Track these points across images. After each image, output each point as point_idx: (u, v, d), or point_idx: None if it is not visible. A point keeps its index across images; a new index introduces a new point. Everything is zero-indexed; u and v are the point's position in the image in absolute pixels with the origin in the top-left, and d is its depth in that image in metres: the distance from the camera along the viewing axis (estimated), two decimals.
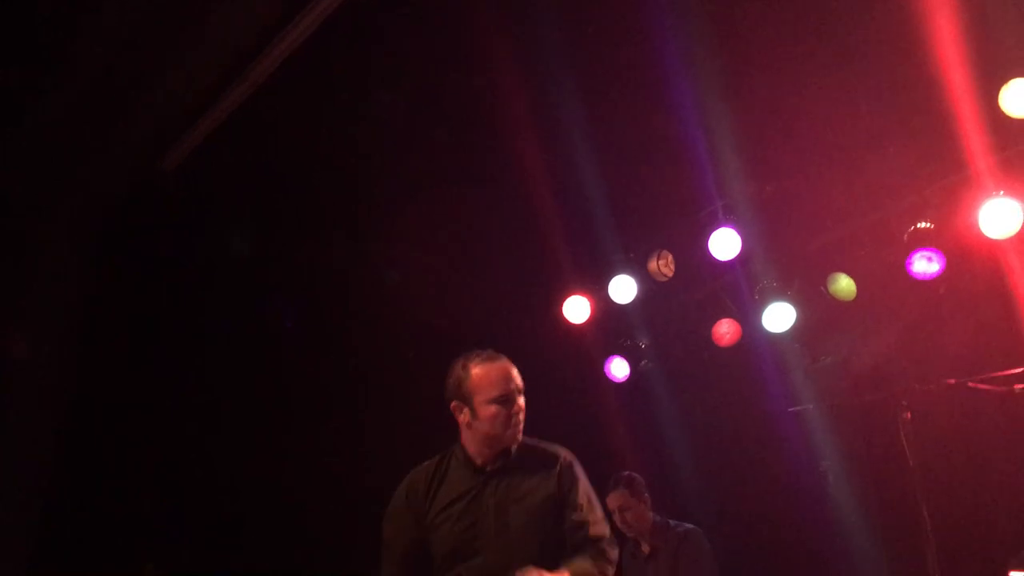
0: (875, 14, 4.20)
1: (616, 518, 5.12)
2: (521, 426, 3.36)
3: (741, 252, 5.67)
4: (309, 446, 6.44)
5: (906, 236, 5.21)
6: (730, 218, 5.64)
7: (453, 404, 3.45)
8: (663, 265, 6.06)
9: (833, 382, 5.65)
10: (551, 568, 3.17)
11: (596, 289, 6.27)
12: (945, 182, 5.00)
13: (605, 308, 6.31)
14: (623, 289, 6.11)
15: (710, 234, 5.67)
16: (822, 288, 5.61)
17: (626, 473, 5.28)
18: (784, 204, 5.54)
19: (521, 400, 3.39)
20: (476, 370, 3.39)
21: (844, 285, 5.54)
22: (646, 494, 5.23)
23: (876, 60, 4.48)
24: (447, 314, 6.74)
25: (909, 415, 4.45)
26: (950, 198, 5.02)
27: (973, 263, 5.14)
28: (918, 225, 5.17)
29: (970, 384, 4.36)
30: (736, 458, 6.16)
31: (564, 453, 3.46)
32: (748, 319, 5.94)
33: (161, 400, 6.30)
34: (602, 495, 4.83)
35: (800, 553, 5.54)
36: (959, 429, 4.96)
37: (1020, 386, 4.32)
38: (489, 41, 4.55)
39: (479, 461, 3.41)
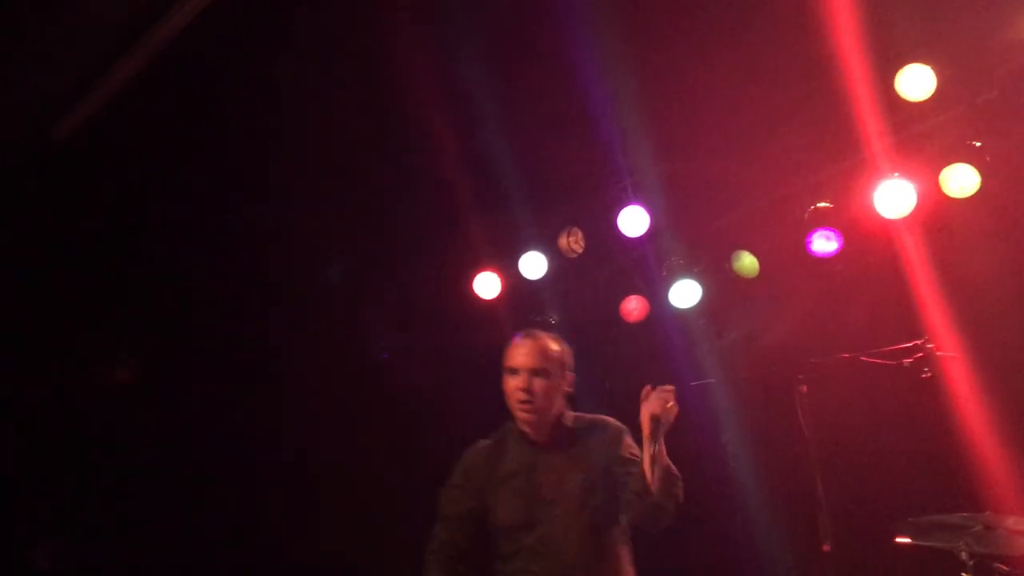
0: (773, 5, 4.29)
1: None
2: (526, 406, 3.46)
3: (649, 229, 5.77)
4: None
5: (806, 215, 5.37)
6: (639, 195, 5.73)
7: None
8: (573, 242, 6.12)
9: (736, 357, 5.79)
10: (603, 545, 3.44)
11: (507, 265, 6.30)
12: (843, 163, 5.16)
13: (516, 284, 6.34)
14: (534, 265, 6.15)
15: (619, 211, 5.76)
16: (727, 265, 5.74)
17: None
18: (691, 182, 5.65)
19: (530, 379, 3.47)
20: (509, 347, 3.59)
21: (747, 263, 5.68)
22: None
23: (776, 43, 4.59)
24: (356, 288, 6.70)
25: (805, 388, 4.60)
26: (848, 179, 5.19)
27: (869, 242, 5.32)
28: (817, 205, 5.33)
29: (863, 358, 4.53)
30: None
31: (615, 423, 3.59)
32: (656, 295, 6.04)
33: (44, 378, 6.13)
34: None
35: (701, 523, 5.68)
36: (853, 402, 5.15)
37: (909, 360, 4.49)
38: (395, 17, 4.51)
39: (531, 436, 3.54)
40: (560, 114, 5.12)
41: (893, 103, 4.83)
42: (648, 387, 3.24)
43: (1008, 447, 4.89)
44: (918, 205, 5.05)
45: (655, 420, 3.17)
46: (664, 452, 3.21)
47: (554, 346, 3.59)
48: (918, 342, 4.55)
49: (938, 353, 4.46)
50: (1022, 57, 4.72)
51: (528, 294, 6.41)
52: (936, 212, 5.13)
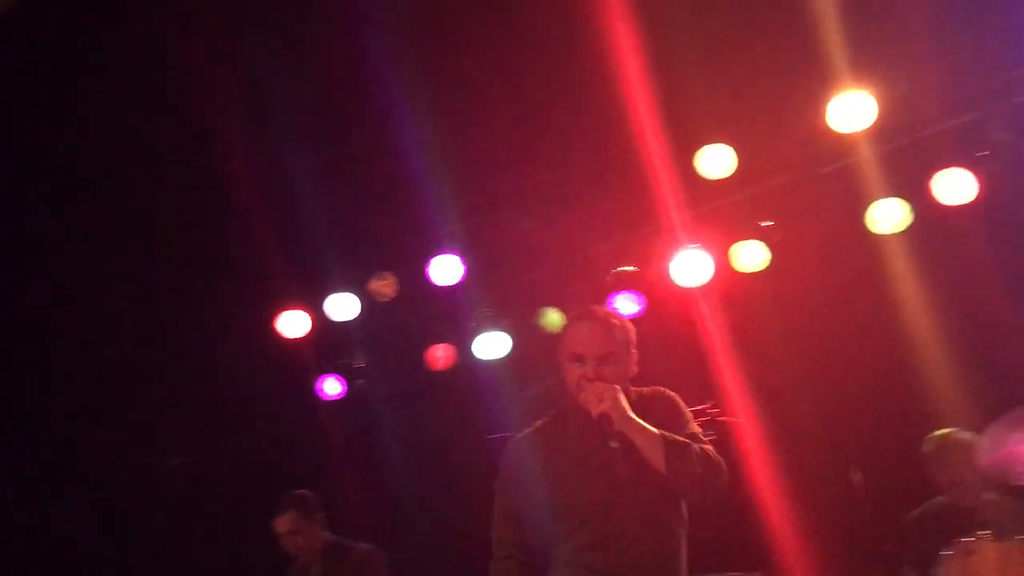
0: (587, 79, 4.43)
1: (286, 541, 5.02)
2: (598, 393, 2.98)
3: (463, 279, 5.80)
4: None
5: (609, 277, 5.55)
6: (454, 245, 5.75)
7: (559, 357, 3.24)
8: (385, 285, 6.06)
9: (538, 411, 5.85)
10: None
11: (316, 304, 6.16)
12: (645, 230, 5.39)
13: (324, 324, 6.20)
14: (343, 306, 6.04)
15: (433, 258, 5.76)
16: (534, 320, 5.84)
17: (297, 492, 5.16)
18: (505, 236, 5.73)
19: (598, 367, 3.05)
20: (568, 325, 3.24)
21: (553, 319, 5.80)
22: (319, 514, 5.13)
23: (586, 114, 4.75)
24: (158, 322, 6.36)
25: (616, 444, 4.67)
26: (649, 245, 5.41)
27: (669, 307, 5.55)
28: (621, 268, 5.52)
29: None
30: (442, 482, 6.25)
31: (668, 392, 3.26)
32: (464, 345, 6.06)
33: None
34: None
35: None
36: None
37: (699, 420, 4.66)
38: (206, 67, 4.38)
39: (587, 415, 3.07)
40: (375, 159, 5.09)
41: (695, 176, 5.09)
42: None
43: (788, 509, 5.15)
44: (714, 275, 5.33)
45: (606, 417, 2.93)
46: (642, 432, 2.95)
47: (619, 324, 3.18)
48: (705, 407, 4.74)
49: (720, 419, 4.66)
50: (814, 144, 5.09)
51: (335, 335, 6.29)
52: (731, 283, 5.43)
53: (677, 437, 2.97)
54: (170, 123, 4.92)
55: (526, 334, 5.95)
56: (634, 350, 3.19)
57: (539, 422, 3.30)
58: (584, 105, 4.64)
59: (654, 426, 2.97)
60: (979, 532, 3.96)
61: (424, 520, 6.28)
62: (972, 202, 4.84)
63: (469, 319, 6.00)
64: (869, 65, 4.49)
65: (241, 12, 4.31)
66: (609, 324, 3.14)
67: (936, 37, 4.49)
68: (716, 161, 5.06)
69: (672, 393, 3.24)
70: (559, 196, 5.33)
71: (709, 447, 3.01)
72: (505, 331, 5.88)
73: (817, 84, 4.66)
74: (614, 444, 2.91)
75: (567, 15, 4.02)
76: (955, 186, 4.84)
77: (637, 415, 2.99)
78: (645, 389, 3.20)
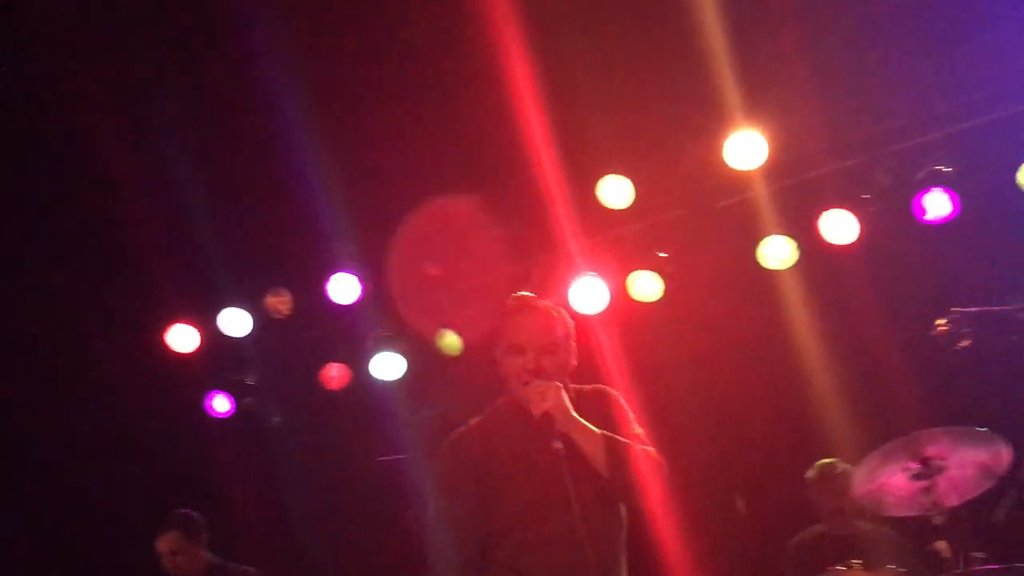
0: (485, 107, 4.47)
1: (167, 561, 4.89)
2: (541, 391, 2.81)
3: (361, 298, 5.75)
4: None
5: (508, 302, 5.56)
6: (353, 264, 5.70)
7: (496, 352, 3.06)
8: (280, 302, 5.96)
9: (430, 434, 5.83)
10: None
11: (207, 319, 6.00)
12: (544, 256, 5.44)
13: (215, 340, 6.05)
14: (235, 322, 5.91)
15: (331, 277, 5.70)
16: (432, 342, 5.82)
17: (182, 512, 5.04)
18: (404, 256, 5.71)
19: (539, 358, 2.90)
20: (507, 316, 3.07)
21: (451, 341, 5.79)
22: (203, 535, 5.02)
23: (489, 144, 4.79)
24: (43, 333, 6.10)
25: None
26: (548, 272, 5.46)
27: None
28: (519, 293, 5.54)
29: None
30: (333, 503, 6.16)
31: (612, 391, 3.11)
32: (360, 364, 6.00)
33: None
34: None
35: None
36: None
37: None
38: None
39: (526, 413, 2.89)
40: (273, 175, 5.02)
41: (594, 205, 5.18)
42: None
43: (683, 536, 5.24)
44: (611, 303, 5.41)
45: (548, 416, 2.78)
46: (585, 433, 2.83)
47: (559, 315, 3.07)
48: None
49: None
50: (710, 179, 5.24)
51: (227, 351, 6.14)
52: (627, 311, 5.52)
53: (620, 439, 2.87)
54: (55, 135, 4.76)
55: (423, 356, 5.93)
56: (573, 343, 3.06)
57: (474, 420, 3.10)
58: (485, 132, 4.67)
59: (596, 426, 2.86)
60: (852, 561, 4.12)
61: (314, 542, 6.17)
62: (854, 242, 5.05)
63: (366, 339, 5.95)
64: (761, 106, 4.65)
65: (130, 25, 4.21)
66: (550, 315, 3.04)
67: (823, 85, 4.70)
68: (615, 191, 5.16)
69: (615, 392, 3.12)
70: (462, 219, 5.34)
71: (651, 450, 2.92)
72: (401, 352, 5.84)
73: (714, 122, 4.81)
74: (557, 445, 2.74)
75: (466, 44, 4.05)
76: (839, 226, 5.05)
77: (578, 413, 2.85)
78: (587, 387, 3.07)
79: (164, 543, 4.89)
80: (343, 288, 5.68)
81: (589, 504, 2.81)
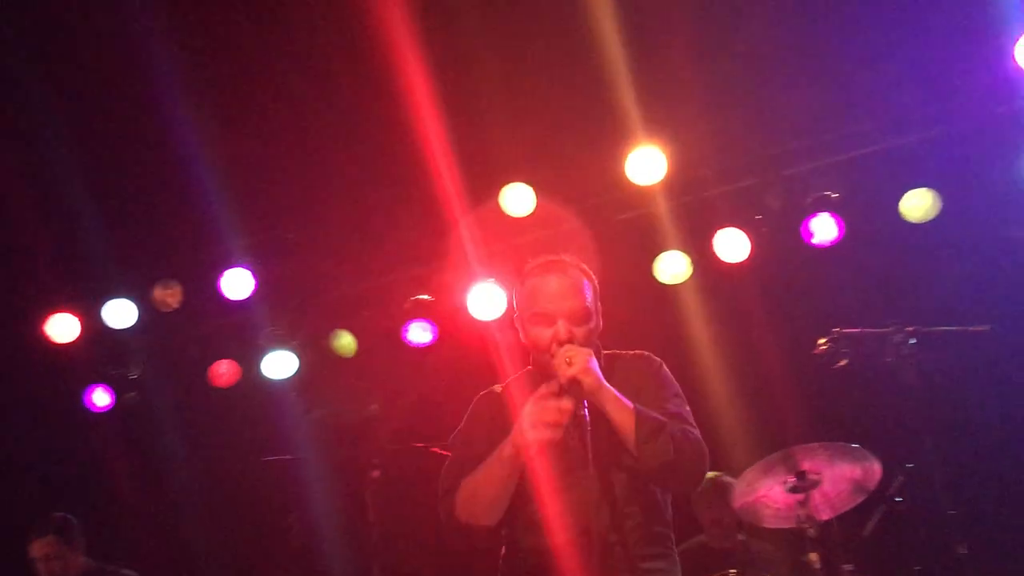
0: (386, 114, 4.44)
1: (40, 567, 4.69)
2: (569, 356, 2.57)
3: (253, 294, 5.62)
4: None
5: (407, 305, 5.55)
6: (246, 259, 5.57)
7: (516, 319, 2.83)
8: (169, 295, 5.77)
9: (321, 435, 5.75)
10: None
11: (90, 309, 5.77)
12: (444, 261, 5.42)
13: (97, 331, 5.82)
14: (120, 313, 5.70)
15: (224, 271, 5.56)
16: (325, 341, 5.74)
17: (57, 515, 4.84)
18: (303, 254, 5.61)
19: (570, 327, 2.65)
20: (528, 282, 2.78)
21: (346, 342, 5.73)
22: (80, 539, 4.83)
23: (389, 150, 4.75)
24: None
25: (377, 473, 4.65)
26: (448, 276, 5.46)
27: (464, 338, 5.60)
28: (418, 296, 5.53)
29: (433, 449, 4.68)
30: (218, 504, 6.00)
31: (654, 358, 2.88)
32: (250, 362, 5.86)
33: None
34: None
35: None
36: (422, 490, 5.29)
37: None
38: None
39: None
40: (165, 166, 4.86)
41: (496, 213, 5.19)
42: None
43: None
44: (508, 310, 5.43)
45: (575, 383, 2.54)
46: (615, 403, 2.58)
47: (590, 277, 2.81)
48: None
49: None
50: (612, 192, 5.32)
51: (110, 343, 5.91)
52: None
53: (654, 414, 2.61)
54: None
55: (315, 355, 5.84)
56: (599, 303, 2.82)
57: (498, 386, 2.90)
58: (385, 134, 4.62)
59: (630, 396, 2.62)
60: (729, 571, 4.23)
61: (198, 544, 5.99)
62: (745, 261, 5.20)
63: (257, 336, 5.82)
64: (661, 125, 4.75)
65: (9, 15, 4.02)
66: (579, 279, 2.75)
67: (719, 109, 4.84)
68: (518, 200, 5.18)
69: (658, 360, 2.88)
70: (361, 220, 5.29)
71: (694, 431, 2.65)
72: (294, 351, 5.73)
73: (617, 136, 4.89)
74: (582, 411, 2.53)
75: (365, 45, 4.00)
76: (732, 245, 5.20)
77: (612, 382, 2.63)
78: (628, 353, 2.87)
79: (38, 548, 4.68)
80: (236, 283, 5.54)
81: (614, 477, 2.64)
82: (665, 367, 2.86)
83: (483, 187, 4.95)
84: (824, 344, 4.35)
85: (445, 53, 4.10)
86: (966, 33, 4.48)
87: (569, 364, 2.55)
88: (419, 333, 5.64)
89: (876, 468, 4.05)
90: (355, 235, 5.41)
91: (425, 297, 5.58)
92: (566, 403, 2.49)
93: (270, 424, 5.80)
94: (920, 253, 5.02)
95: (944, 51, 4.64)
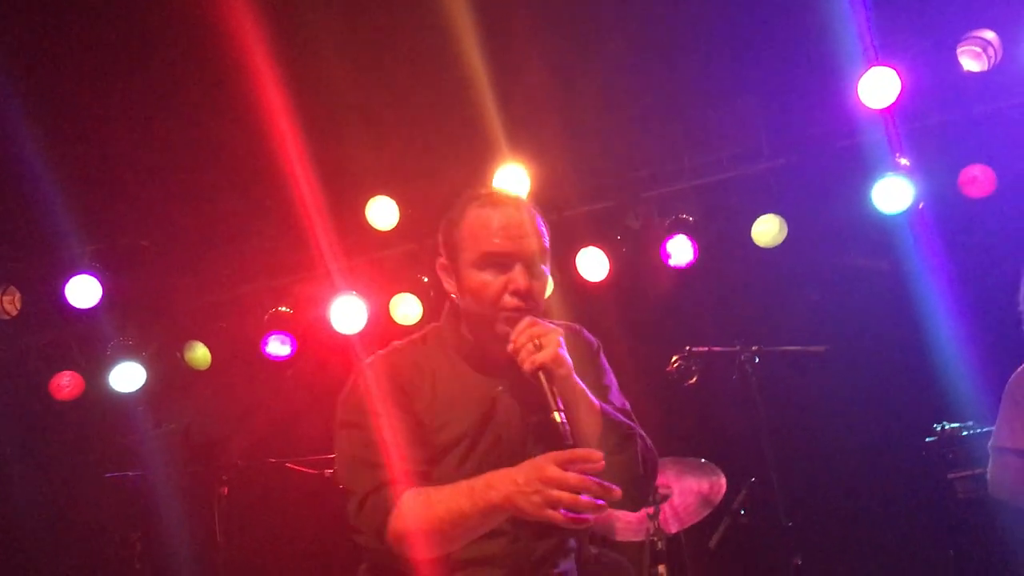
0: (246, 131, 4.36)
1: None
2: (536, 335, 2.08)
3: (100, 302, 5.36)
4: None
5: (265, 317, 5.41)
6: (94, 265, 5.32)
7: (440, 263, 2.27)
8: (8, 301, 5.45)
9: (170, 450, 5.53)
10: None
11: None
12: (305, 273, 5.34)
13: None
14: None
15: (69, 278, 5.28)
16: (178, 353, 5.53)
17: None
18: (156, 262, 5.41)
19: (529, 277, 2.14)
20: (472, 213, 2.19)
21: (200, 354, 5.54)
22: None
23: (246, 160, 4.66)
24: None
25: (227, 490, 4.51)
26: (309, 289, 5.36)
27: (324, 352, 5.51)
28: (277, 309, 5.40)
29: (288, 464, 4.58)
30: (58, 521, 5.68)
31: (588, 335, 2.42)
32: (95, 374, 5.59)
33: None
34: None
35: None
36: (275, 505, 5.18)
37: (330, 471, 4.64)
38: None
39: (483, 352, 2.20)
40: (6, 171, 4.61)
41: (360, 226, 5.14)
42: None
43: None
44: (371, 324, 5.37)
45: (544, 369, 2.05)
46: (587, 404, 2.14)
47: (542, 218, 2.28)
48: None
49: None
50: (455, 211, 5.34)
51: None
52: (388, 332, 5.50)
53: (619, 416, 2.22)
54: None
55: (167, 368, 5.62)
56: None
57: (397, 343, 2.33)
58: (244, 146, 4.51)
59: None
60: None
61: (36, 562, 5.64)
62: (605, 279, 5.31)
63: (104, 347, 5.55)
64: (524, 143, 4.81)
65: None
66: (535, 217, 2.23)
67: (581, 131, 4.95)
68: (382, 213, 5.15)
69: (597, 340, 2.43)
70: (217, 230, 5.14)
71: (647, 438, 2.28)
72: (142, 363, 5.50)
73: (481, 153, 4.92)
74: (559, 418, 2.01)
75: (219, 57, 3.91)
76: (592, 263, 5.30)
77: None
78: (560, 323, 2.31)
79: None
80: (81, 290, 5.27)
81: None
82: (600, 348, 2.44)
83: (347, 199, 4.89)
84: (676, 362, 4.49)
85: (305, 64, 4.05)
86: (814, 70, 4.72)
87: (538, 348, 2.06)
88: (277, 346, 5.51)
89: (722, 482, 4.20)
90: (212, 244, 5.25)
91: (284, 309, 5.45)
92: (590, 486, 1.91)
93: (115, 439, 5.54)
94: (768, 276, 5.24)
95: (793, 86, 4.89)
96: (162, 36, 4.02)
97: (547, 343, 2.07)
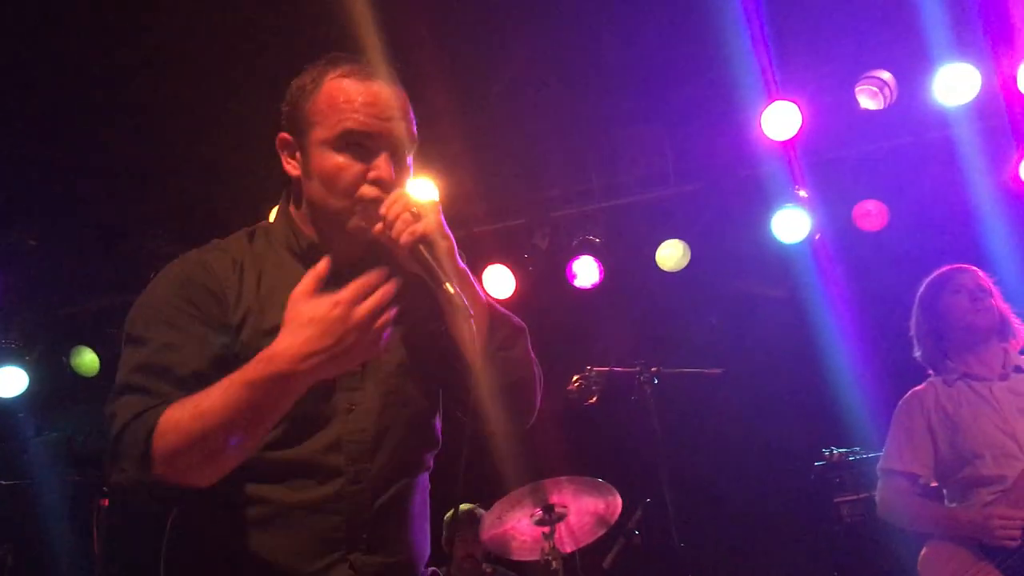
0: None
1: None
2: (418, 214, 1.77)
3: None
4: None
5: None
6: None
7: (281, 137, 1.90)
8: None
9: (51, 459, 5.29)
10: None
11: None
12: None
13: None
14: None
15: None
16: (64, 358, 5.30)
17: None
18: (44, 263, 5.17)
19: (391, 161, 1.81)
20: (332, 83, 1.83)
21: (87, 360, 5.32)
22: None
23: (141, 161, 4.50)
24: None
25: (107, 502, 4.34)
26: None
27: None
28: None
29: None
30: None
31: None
32: None
33: None
34: None
35: None
36: (154, 519, 4.98)
37: None
38: None
39: (325, 251, 1.82)
40: None
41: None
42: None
43: None
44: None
45: (425, 240, 1.75)
46: (471, 288, 1.84)
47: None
48: None
49: None
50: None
51: None
52: None
53: (505, 311, 1.94)
54: None
55: (52, 373, 5.38)
56: None
57: (218, 240, 1.95)
58: (141, 148, 4.35)
59: (420, 301, 1.85)
60: None
61: None
62: (511, 297, 5.30)
63: None
64: (432, 158, 4.78)
65: None
66: (406, 100, 1.90)
67: (491, 150, 4.93)
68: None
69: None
70: (108, 232, 4.95)
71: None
72: (25, 367, 5.25)
73: None
74: (451, 288, 1.71)
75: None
76: (498, 281, 5.29)
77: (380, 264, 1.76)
78: None
79: None
80: None
81: (417, 407, 1.91)
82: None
83: (249, 207, 4.76)
84: (577, 381, 4.49)
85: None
86: (720, 101, 4.83)
87: (416, 217, 1.76)
88: None
89: (618, 502, 4.22)
90: (104, 247, 5.04)
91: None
92: (388, 287, 1.63)
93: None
94: (671, 300, 5.32)
95: (701, 115, 4.99)
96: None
97: (426, 212, 1.77)
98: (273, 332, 1.69)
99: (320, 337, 1.61)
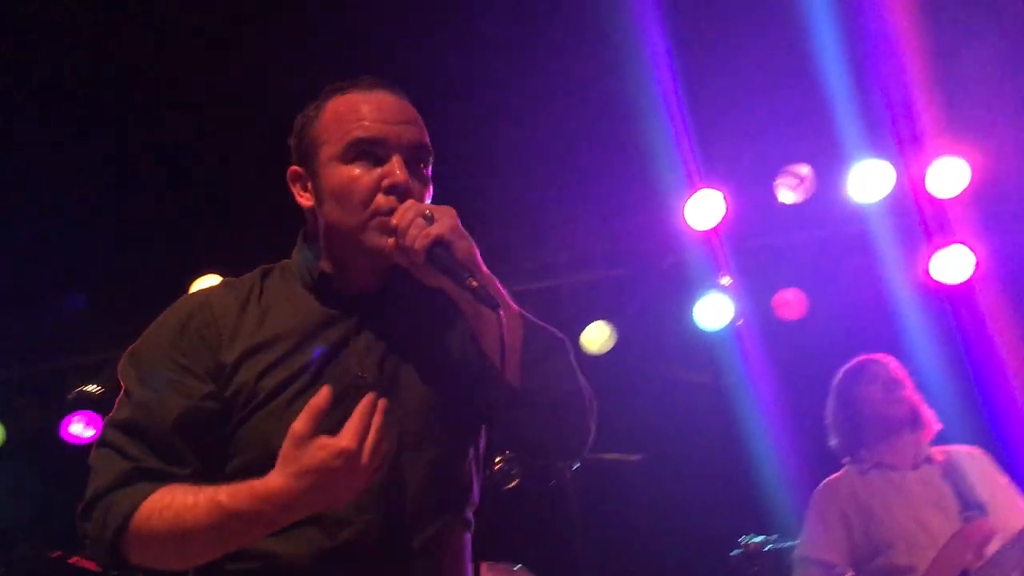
0: None
1: None
2: (417, 210, 1.64)
3: None
4: None
5: (69, 396, 5.09)
6: None
7: (292, 171, 1.80)
8: None
9: None
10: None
11: None
12: (122, 348, 5.05)
13: None
14: None
15: None
16: None
17: None
18: None
19: (409, 172, 1.70)
20: (335, 101, 1.75)
21: None
22: None
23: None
24: None
25: None
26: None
27: None
28: (82, 388, 5.09)
29: (71, 560, 4.23)
30: None
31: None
32: None
33: None
34: None
35: None
36: None
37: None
38: None
39: (340, 281, 1.74)
40: None
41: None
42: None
43: None
44: None
45: (441, 241, 1.62)
46: (500, 295, 1.69)
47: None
48: None
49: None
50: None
51: None
52: None
53: (543, 324, 1.81)
54: None
55: None
56: None
57: (230, 279, 1.85)
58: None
59: (438, 322, 1.78)
60: None
61: None
62: None
63: None
64: None
65: None
66: (414, 108, 1.80)
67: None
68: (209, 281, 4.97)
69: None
70: (19, 298, 4.81)
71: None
72: None
73: None
74: (476, 282, 1.58)
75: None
76: None
77: (397, 293, 1.76)
78: None
79: None
80: None
81: (449, 442, 1.75)
82: None
83: (178, 266, 4.69)
84: (498, 463, 4.43)
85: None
86: (645, 188, 4.93)
87: (429, 221, 1.63)
88: (81, 428, 5.15)
89: None
90: (15, 314, 4.89)
91: (92, 388, 5.12)
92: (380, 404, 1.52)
93: None
94: (594, 383, 5.31)
95: (628, 201, 5.08)
96: None
97: (441, 215, 1.64)
98: (269, 371, 1.65)
99: (319, 489, 1.51)
